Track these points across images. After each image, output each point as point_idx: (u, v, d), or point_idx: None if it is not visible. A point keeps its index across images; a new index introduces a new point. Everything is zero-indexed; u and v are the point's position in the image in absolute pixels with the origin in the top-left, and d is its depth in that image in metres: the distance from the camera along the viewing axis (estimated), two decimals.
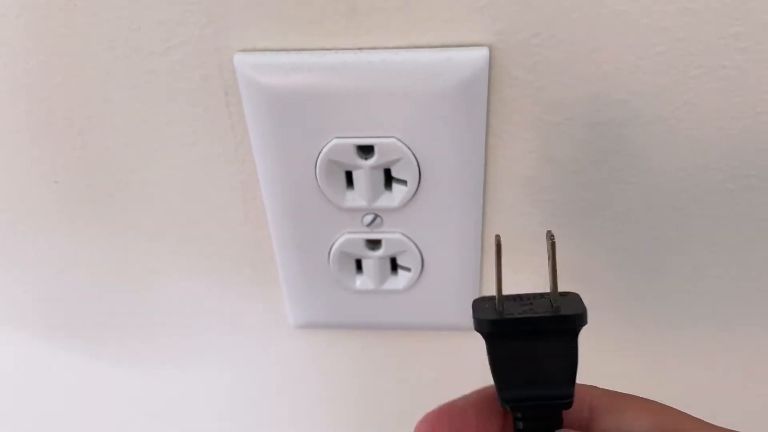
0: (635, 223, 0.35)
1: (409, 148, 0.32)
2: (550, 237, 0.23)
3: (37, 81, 0.33)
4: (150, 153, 0.35)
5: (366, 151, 0.32)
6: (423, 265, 0.36)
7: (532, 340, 0.23)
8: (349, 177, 0.34)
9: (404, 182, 0.33)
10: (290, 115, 0.31)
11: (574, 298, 0.24)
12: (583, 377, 0.42)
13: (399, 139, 0.32)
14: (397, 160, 0.32)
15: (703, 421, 0.22)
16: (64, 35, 0.31)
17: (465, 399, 0.25)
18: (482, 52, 0.30)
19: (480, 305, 0.24)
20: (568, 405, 0.23)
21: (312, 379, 0.46)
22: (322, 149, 0.32)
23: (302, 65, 0.30)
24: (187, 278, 0.40)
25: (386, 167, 0.33)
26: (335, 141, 0.32)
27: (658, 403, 0.23)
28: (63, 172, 0.37)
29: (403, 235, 0.35)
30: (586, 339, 0.40)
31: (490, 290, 0.39)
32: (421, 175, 0.33)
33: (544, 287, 0.38)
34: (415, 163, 0.32)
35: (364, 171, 0.33)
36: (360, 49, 0.30)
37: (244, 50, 0.31)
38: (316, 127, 0.32)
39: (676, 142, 0.32)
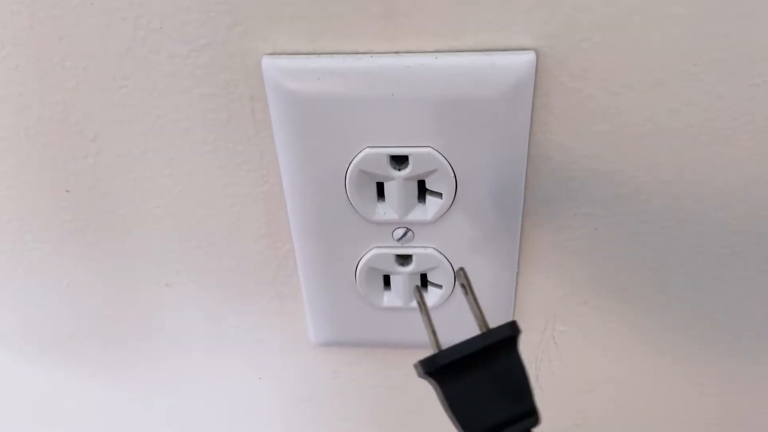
0: (682, 238, 0.33)
1: (446, 158, 0.30)
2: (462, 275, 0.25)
3: (50, 84, 0.31)
4: (169, 161, 0.33)
5: (399, 161, 0.31)
6: (455, 283, 0.34)
7: (476, 366, 0.23)
8: (380, 188, 0.32)
9: (439, 195, 0.31)
10: (320, 123, 0.30)
11: (507, 324, 0.24)
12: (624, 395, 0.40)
13: (435, 149, 0.30)
14: (433, 172, 0.30)
15: None
16: (79, 35, 0.30)
17: None
18: (528, 57, 0.28)
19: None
20: (535, 421, 0.23)
21: (331, 397, 0.44)
22: (352, 159, 0.30)
23: (334, 70, 0.28)
24: (204, 292, 0.38)
25: (420, 179, 0.31)
26: (367, 150, 0.30)
27: None
28: (75, 180, 0.35)
29: (436, 250, 0.33)
30: (628, 359, 0.38)
31: (527, 309, 0.37)
32: (458, 187, 0.31)
33: (581, 302, 0.36)
34: (452, 174, 0.30)
35: (397, 182, 0.31)
36: (397, 52, 0.28)
37: (272, 54, 0.29)
38: (347, 136, 0.30)
39: (731, 154, 0.30)
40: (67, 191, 0.35)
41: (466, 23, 0.27)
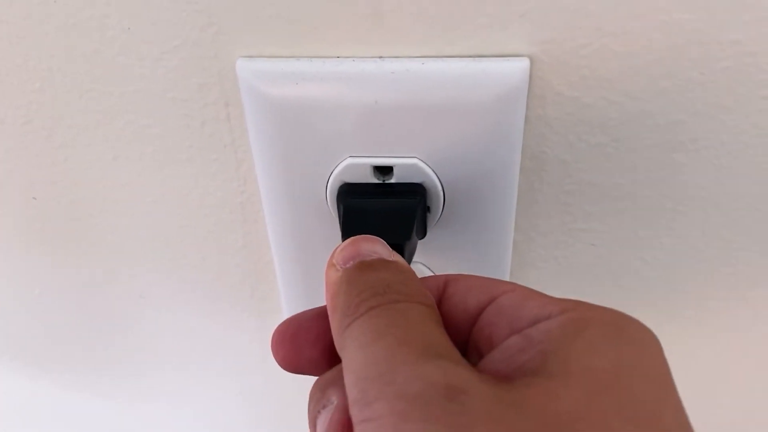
0: (684, 257, 0.31)
1: (433, 170, 0.28)
2: None
3: (12, 86, 0.29)
4: (140, 169, 0.31)
5: (384, 172, 0.29)
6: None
7: (380, 197, 0.27)
8: None
9: (426, 208, 0.29)
10: (299, 131, 0.28)
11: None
12: None
13: (422, 160, 0.28)
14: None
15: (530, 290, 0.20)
16: (41, 35, 0.28)
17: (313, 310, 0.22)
18: (522, 64, 0.26)
19: None
20: (401, 251, 0.26)
21: None
22: (334, 169, 0.28)
23: (314, 74, 0.27)
24: (180, 306, 0.36)
25: None
26: (349, 160, 0.28)
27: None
28: (42, 188, 0.33)
29: (423, 265, 0.31)
30: None
31: None
32: (446, 200, 0.29)
33: None
34: (440, 187, 0.28)
35: None
36: (381, 57, 0.26)
37: (248, 56, 0.27)
38: (329, 145, 0.28)
39: (737, 169, 0.28)
40: (34, 198, 0.33)
41: (455, 27, 0.25)
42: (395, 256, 0.21)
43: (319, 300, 0.33)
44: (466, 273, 0.30)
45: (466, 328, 0.20)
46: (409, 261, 0.27)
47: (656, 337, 0.18)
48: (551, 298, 0.19)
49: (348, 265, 0.20)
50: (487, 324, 0.19)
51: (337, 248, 0.22)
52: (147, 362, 0.40)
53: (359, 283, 0.19)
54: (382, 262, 0.20)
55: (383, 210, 0.27)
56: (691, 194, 0.29)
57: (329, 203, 0.29)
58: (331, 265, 0.21)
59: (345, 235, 0.27)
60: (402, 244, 0.26)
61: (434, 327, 0.18)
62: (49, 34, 0.28)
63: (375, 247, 0.21)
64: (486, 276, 0.22)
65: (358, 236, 0.22)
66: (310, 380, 0.40)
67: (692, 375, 0.35)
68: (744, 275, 0.31)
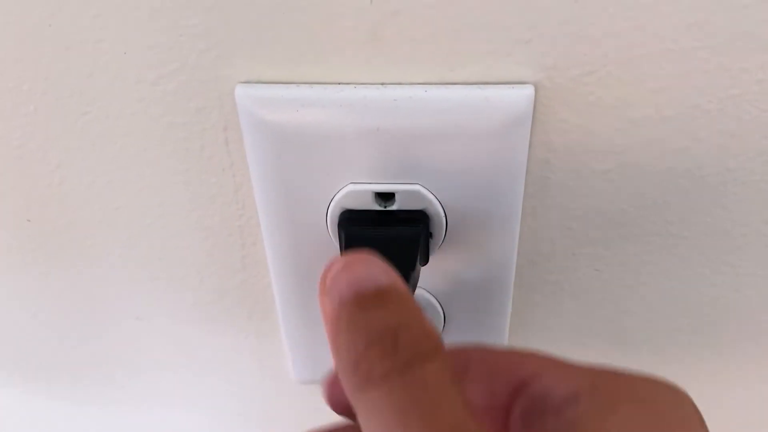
0: (689, 282, 0.31)
1: (435, 197, 0.28)
2: None
3: (8, 108, 0.29)
4: (137, 191, 0.31)
5: (386, 198, 0.28)
6: (444, 324, 0.32)
7: (381, 226, 0.27)
8: None
9: (429, 234, 0.29)
10: (299, 157, 0.27)
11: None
12: None
13: (424, 187, 0.27)
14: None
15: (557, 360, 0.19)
16: (37, 59, 0.27)
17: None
18: (526, 91, 0.25)
19: None
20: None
21: None
22: (334, 195, 0.28)
23: (314, 101, 0.26)
24: (178, 327, 0.36)
25: None
26: (350, 187, 0.28)
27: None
28: (38, 210, 0.32)
29: (424, 290, 0.31)
30: None
31: None
32: (448, 227, 0.28)
33: (577, 343, 0.34)
34: (443, 213, 0.28)
35: None
36: (383, 83, 0.26)
37: (248, 81, 0.27)
38: (329, 171, 0.27)
39: (743, 196, 0.28)
40: (29, 220, 0.33)
41: (459, 53, 0.25)
42: (392, 276, 0.19)
43: (318, 323, 0.33)
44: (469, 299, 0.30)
45: (500, 418, 0.20)
46: (413, 290, 0.27)
47: (694, 407, 0.17)
48: (579, 370, 0.19)
49: (344, 297, 0.19)
50: (521, 415, 0.19)
51: (328, 269, 0.20)
52: (144, 382, 0.39)
53: (362, 327, 0.18)
54: (382, 297, 0.19)
55: (386, 239, 0.27)
56: (696, 220, 0.29)
57: (329, 229, 0.29)
58: (324, 291, 0.19)
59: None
60: (406, 275, 0.26)
61: (453, 395, 0.17)
62: (45, 57, 0.27)
63: (371, 271, 0.19)
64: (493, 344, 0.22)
65: (351, 256, 0.20)
66: (310, 402, 0.40)
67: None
68: (752, 300, 0.31)
